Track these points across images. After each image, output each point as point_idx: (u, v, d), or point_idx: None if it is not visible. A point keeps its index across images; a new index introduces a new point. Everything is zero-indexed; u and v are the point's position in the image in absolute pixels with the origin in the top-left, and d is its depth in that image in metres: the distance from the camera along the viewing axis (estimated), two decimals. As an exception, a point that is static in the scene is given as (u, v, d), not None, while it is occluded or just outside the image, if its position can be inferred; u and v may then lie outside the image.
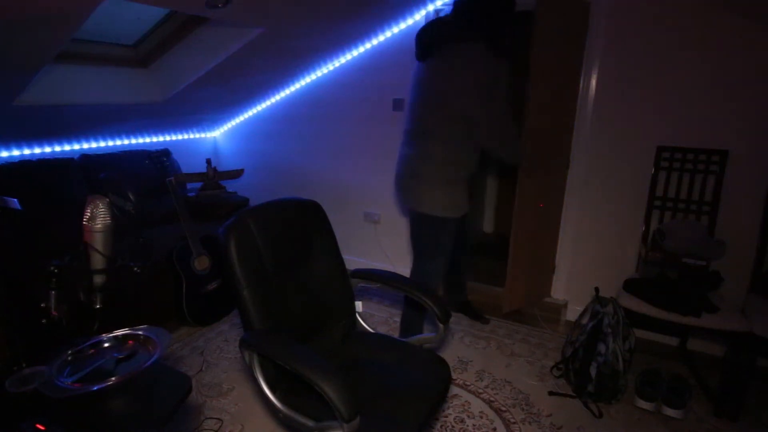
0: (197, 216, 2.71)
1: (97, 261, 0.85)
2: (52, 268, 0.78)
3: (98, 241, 0.86)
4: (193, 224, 2.44)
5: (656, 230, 2.13)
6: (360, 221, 3.30)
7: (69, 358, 1.03)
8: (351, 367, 1.41)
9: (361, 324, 1.63)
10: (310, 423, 1.11)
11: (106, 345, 1.07)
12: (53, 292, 0.78)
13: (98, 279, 0.87)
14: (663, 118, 2.24)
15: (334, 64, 3.08)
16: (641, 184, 2.32)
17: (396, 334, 2.29)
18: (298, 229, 1.46)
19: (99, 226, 0.84)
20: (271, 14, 2.02)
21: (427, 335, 1.56)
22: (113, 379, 0.94)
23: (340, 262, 1.56)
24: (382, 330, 2.50)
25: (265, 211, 1.37)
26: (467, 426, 1.79)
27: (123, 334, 1.10)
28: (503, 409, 1.88)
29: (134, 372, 0.97)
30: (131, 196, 0.88)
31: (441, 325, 1.45)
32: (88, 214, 0.82)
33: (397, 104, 2.95)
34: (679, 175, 2.23)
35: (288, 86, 3.23)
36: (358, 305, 1.60)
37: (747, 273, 2.07)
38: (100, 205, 0.84)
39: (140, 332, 1.11)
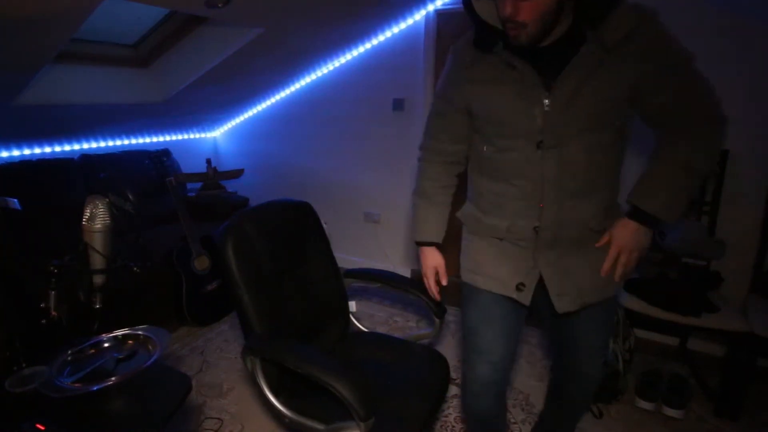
0: (197, 216, 2.71)
1: (97, 261, 0.84)
2: (52, 268, 0.77)
3: (98, 241, 0.85)
4: (193, 224, 2.44)
5: (656, 230, 2.13)
6: (360, 221, 3.30)
7: (69, 358, 1.02)
8: (350, 367, 1.41)
9: (354, 324, 1.63)
10: (320, 426, 1.10)
11: (106, 345, 1.07)
12: (53, 292, 0.77)
13: (98, 279, 0.86)
14: (663, 118, 2.23)
15: (334, 64, 3.08)
16: (641, 184, 2.31)
17: (396, 334, 2.29)
18: (293, 230, 1.46)
19: (98, 226, 0.83)
20: (271, 14, 2.02)
21: (423, 331, 1.56)
22: (113, 379, 0.94)
23: (333, 261, 1.56)
24: (383, 330, 2.50)
25: (260, 213, 1.37)
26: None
27: (123, 334, 1.10)
28: (503, 409, 1.88)
29: (134, 372, 0.96)
30: (131, 196, 0.87)
31: (437, 320, 1.45)
32: (88, 214, 0.81)
33: (397, 104, 2.95)
34: (679, 175, 2.22)
35: (288, 86, 3.23)
36: (352, 305, 1.60)
37: (747, 273, 2.06)
38: (100, 205, 0.83)
39: (140, 332, 1.11)
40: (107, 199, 0.82)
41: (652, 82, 0.95)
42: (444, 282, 1.27)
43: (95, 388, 0.92)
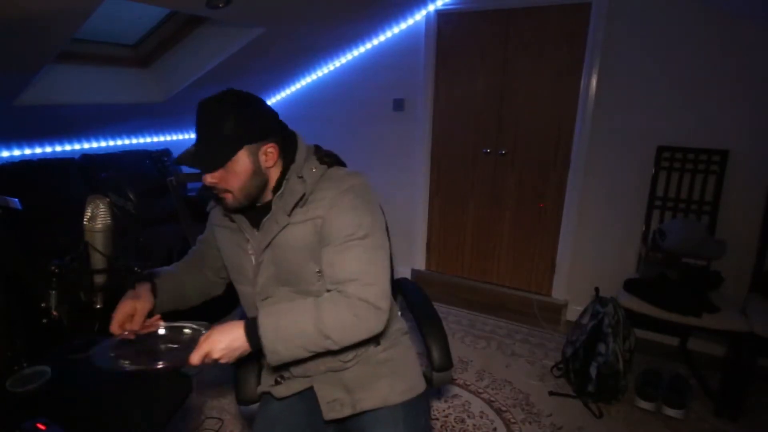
0: (197, 216, 2.71)
1: (98, 261, 0.84)
2: (53, 267, 0.77)
3: (99, 241, 0.85)
4: (194, 224, 2.44)
5: (656, 230, 2.13)
6: (360, 221, 3.30)
7: (116, 342, 0.99)
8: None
9: None
10: None
11: (161, 332, 1.04)
12: (53, 293, 0.77)
13: (99, 279, 0.86)
14: (663, 118, 2.24)
15: (334, 64, 3.08)
16: (641, 183, 2.32)
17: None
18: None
19: (99, 226, 0.82)
20: (271, 14, 2.02)
21: None
22: (162, 363, 0.91)
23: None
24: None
25: None
26: (467, 426, 1.79)
27: (177, 326, 1.06)
28: (503, 409, 1.88)
29: (183, 359, 0.89)
30: (132, 196, 0.86)
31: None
32: (89, 214, 0.81)
33: (398, 104, 2.95)
34: (679, 174, 2.23)
35: (288, 86, 3.23)
36: None
37: (747, 273, 2.06)
38: (101, 205, 0.82)
39: (193, 325, 1.07)
40: (108, 199, 0.81)
41: (323, 241, 0.97)
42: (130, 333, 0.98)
43: (158, 366, 0.89)
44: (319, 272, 0.99)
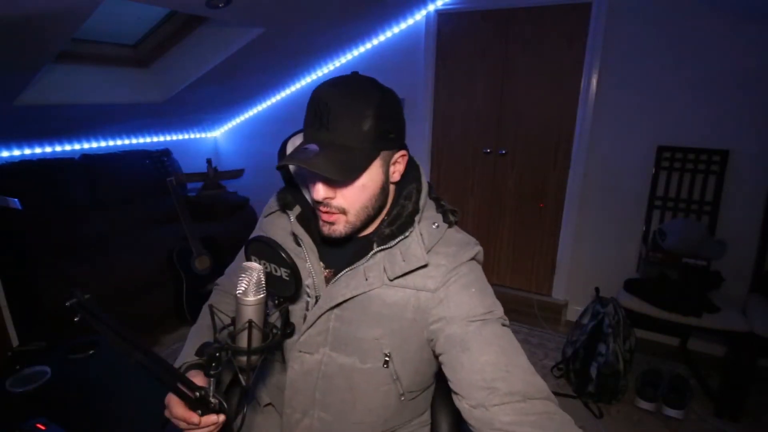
0: (198, 216, 2.71)
1: (254, 339, 0.65)
2: (215, 353, 0.63)
3: (254, 316, 0.66)
4: (194, 224, 2.44)
5: (657, 230, 2.13)
6: (360, 221, 3.30)
7: None
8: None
9: None
10: None
11: None
12: (213, 380, 0.64)
13: (254, 359, 0.66)
14: (663, 118, 2.24)
15: (334, 64, 3.08)
16: (642, 184, 2.32)
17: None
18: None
19: (252, 299, 0.64)
20: (271, 14, 2.02)
21: None
22: None
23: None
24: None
25: None
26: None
27: None
28: (503, 409, 1.88)
29: None
30: (285, 256, 0.61)
31: None
32: (244, 286, 0.64)
33: (398, 104, 2.95)
34: (679, 175, 2.23)
35: (288, 86, 3.22)
36: None
37: (748, 273, 2.06)
38: (257, 275, 0.65)
39: None
40: (263, 267, 0.66)
41: (447, 335, 0.73)
42: None
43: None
44: (387, 354, 0.77)
